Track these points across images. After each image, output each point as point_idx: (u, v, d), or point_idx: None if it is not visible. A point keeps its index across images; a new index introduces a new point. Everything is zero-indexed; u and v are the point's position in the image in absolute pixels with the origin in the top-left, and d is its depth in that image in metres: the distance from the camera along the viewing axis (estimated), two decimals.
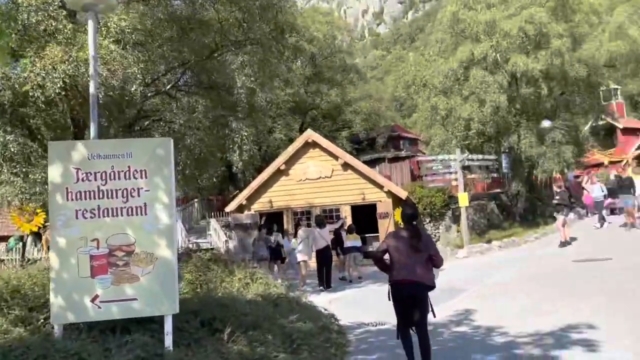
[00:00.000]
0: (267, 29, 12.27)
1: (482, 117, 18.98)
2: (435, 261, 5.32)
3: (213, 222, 21.83)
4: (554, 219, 16.04)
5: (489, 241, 17.61)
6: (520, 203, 21.64)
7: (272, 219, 18.18)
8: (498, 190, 23.76)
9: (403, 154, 27.60)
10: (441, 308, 8.60)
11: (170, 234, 5.21)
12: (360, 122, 30.38)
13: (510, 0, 20.66)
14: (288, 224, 19.23)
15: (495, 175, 22.02)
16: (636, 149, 33.60)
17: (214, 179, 23.11)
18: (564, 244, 14.55)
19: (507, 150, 20.86)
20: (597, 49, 19.57)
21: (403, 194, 18.93)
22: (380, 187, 18.78)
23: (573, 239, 14.95)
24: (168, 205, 5.21)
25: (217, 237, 20.54)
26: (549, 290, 9.19)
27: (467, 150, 19.02)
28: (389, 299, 5.38)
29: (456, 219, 19.40)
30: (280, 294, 8.33)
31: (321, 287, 12.90)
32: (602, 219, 17.37)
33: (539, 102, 20.45)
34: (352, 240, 14.48)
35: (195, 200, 27.78)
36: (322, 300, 9.96)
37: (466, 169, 18.36)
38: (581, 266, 11.23)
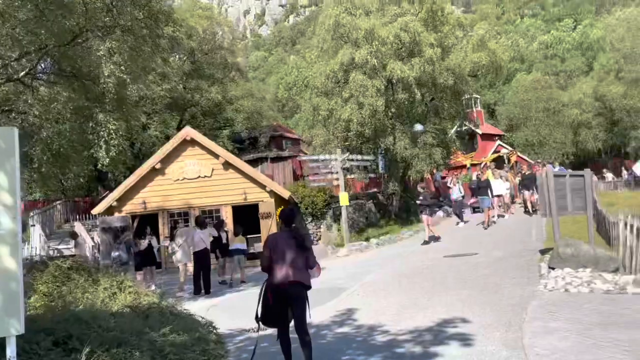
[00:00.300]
0: (140, 15, 11.32)
1: (361, 119, 19.52)
2: (309, 262, 5.50)
3: (78, 226, 19.89)
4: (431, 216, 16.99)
5: (367, 239, 18.15)
6: (396, 202, 22.64)
7: (146, 222, 16.99)
8: (375, 189, 24.68)
9: (285, 153, 27.55)
10: (324, 308, 8.52)
11: (14, 241, 4.38)
12: (242, 120, 29.76)
13: (386, 8, 21.57)
14: (164, 227, 18.14)
15: (372, 175, 22.82)
16: (492, 153, 37.13)
17: (80, 179, 21.11)
18: (427, 242, 15.42)
19: (383, 152, 21.70)
20: (463, 59, 21.08)
21: (286, 194, 18.80)
22: (263, 187, 18.43)
23: (439, 236, 15.85)
24: (11, 207, 4.37)
25: (82, 242, 18.70)
26: (424, 285, 9.54)
27: (347, 151, 19.45)
28: (261, 301, 5.47)
29: (337, 218, 19.73)
30: (152, 303, 7.58)
31: (197, 293, 12.21)
32: (461, 217, 18.84)
33: (412, 107, 21.57)
34: (237, 243, 14.02)
35: (59, 202, 25.20)
36: (199, 307, 9.37)
37: (346, 169, 18.74)
38: (452, 261, 11.90)
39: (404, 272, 11.43)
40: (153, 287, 12.01)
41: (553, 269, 9.07)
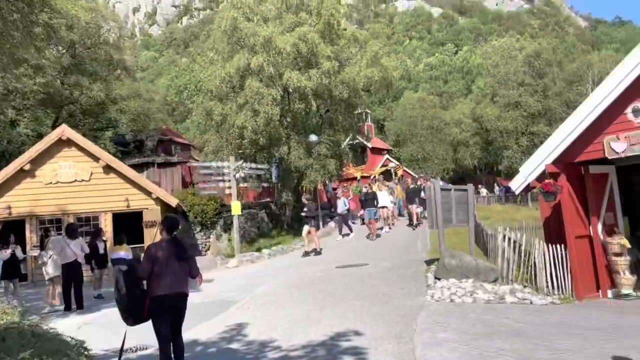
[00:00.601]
0: None
1: (255, 127, 19.17)
2: (192, 272, 5.51)
3: None
4: (317, 227, 16.94)
5: (259, 249, 17.78)
6: (289, 212, 22.52)
7: (11, 229, 15.16)
8: (268, 199, 24.39)
9: (174, 159, 26.21)
10: (211, 323, 8.02)
11: None
12: (127, 122, 27.74)
13: (284, 16, 21.51)
14: (32, 234, 16.32)
15: (266, 184, 22.50)
16: (381, 166, 38.69)
17: None
18: (318, 252, 15.40)
19: (277, 161, 21.50)
20: (357, 74, 21.57)
21: (173, 202, 17.83)
22: (148, 193, 17.32)
23: (322, 248, 15.90)
24: None
25: None
26: (317, 297, 9.39)
27: (241, 159, 18.97)
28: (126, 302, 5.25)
29: (227, 228, 19.13)
30: (11, 322, 6.60)
31: (68, 309, 11.00)
32: (350, 229, 19.02)
33: (308, 118, 21.65)
34: (122, 252, 12.90)
35: None
36: (70, 325, 8.40)
37: (240, 177, 18.25)
38: (343, 272, 11.93)
39: (296, 283, 11.24)
40: (15, 303, 10.63)
41: (439, 279, 9.40)
